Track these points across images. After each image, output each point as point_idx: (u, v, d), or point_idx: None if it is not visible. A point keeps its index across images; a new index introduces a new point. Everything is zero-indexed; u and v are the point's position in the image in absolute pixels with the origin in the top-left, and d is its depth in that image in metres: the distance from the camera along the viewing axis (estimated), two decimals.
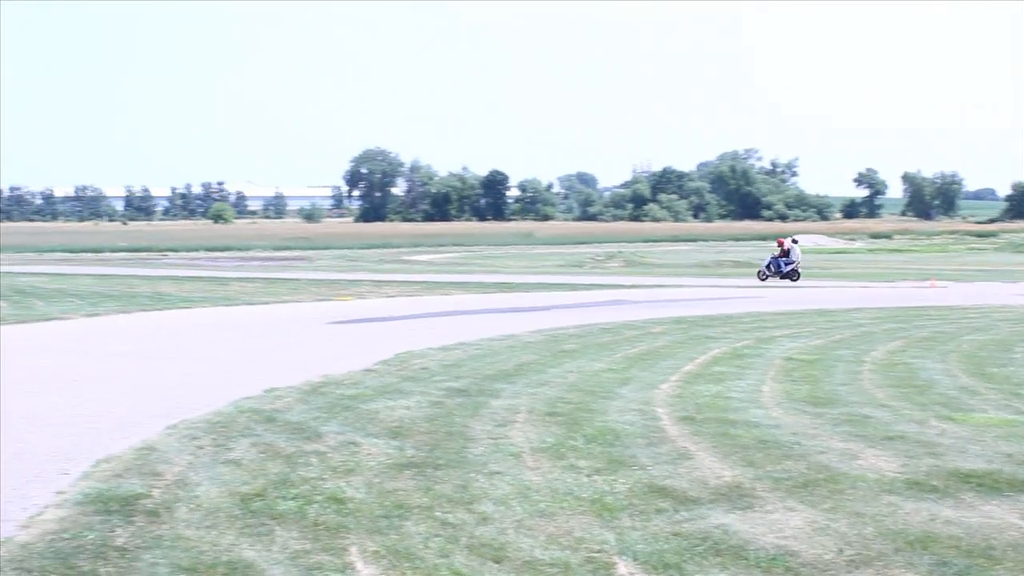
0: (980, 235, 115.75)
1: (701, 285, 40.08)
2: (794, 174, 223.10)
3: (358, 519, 7.35)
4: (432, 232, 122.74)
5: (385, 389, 13.06)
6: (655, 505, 7.69)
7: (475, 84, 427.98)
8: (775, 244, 45.29)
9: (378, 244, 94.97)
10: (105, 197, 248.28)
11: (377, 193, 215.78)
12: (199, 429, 10.42)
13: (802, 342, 18.92)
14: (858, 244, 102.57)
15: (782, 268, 42.65)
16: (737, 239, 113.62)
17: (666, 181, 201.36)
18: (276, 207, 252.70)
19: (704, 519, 7.36)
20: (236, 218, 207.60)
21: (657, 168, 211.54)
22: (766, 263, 43.66)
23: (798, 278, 42.20)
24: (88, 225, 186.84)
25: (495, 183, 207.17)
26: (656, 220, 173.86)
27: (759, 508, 7.62)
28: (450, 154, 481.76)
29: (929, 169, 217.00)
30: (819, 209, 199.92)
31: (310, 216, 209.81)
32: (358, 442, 9.79)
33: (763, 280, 42.29)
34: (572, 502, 7.76)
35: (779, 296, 33.31)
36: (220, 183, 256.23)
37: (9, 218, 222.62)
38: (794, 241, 44.70)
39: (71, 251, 79.80)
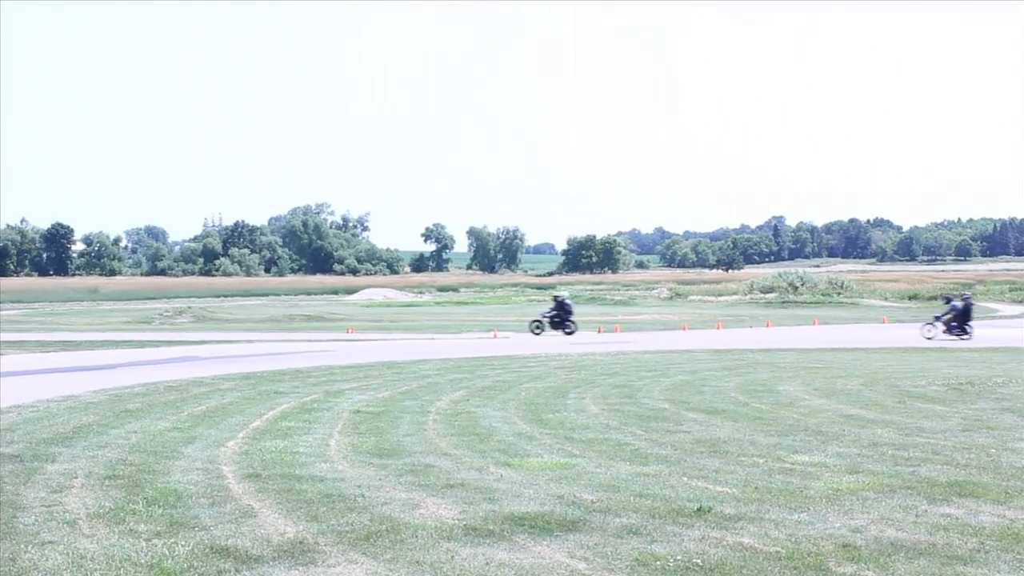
0: (540, 287, 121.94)
1: (272, 340, 39.92)
2: (365, 228, 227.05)
3: None
4: None
5: None
6: (216, 566, 7.56)
7: (32, 132, 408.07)
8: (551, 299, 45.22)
9: None
10: None
11: None
12: None
13: (370, 394, 19.19)
14: (426, 297, 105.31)
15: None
16: (309, 293, 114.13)
17: (238, 235, 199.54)
18: None
19: None
20: None
21: (229, 222, 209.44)
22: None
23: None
24: None
25: (58, 237, 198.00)
26: (228, 275, 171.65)
27: (322, 563, 7.65)
28: (9, 206, 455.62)
29: (494, 224, 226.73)
30: (389, 263, 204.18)
31: None
32: None
33: (537, 334, 41.97)
34: (130, 568, 7.50)
35: (348, 350, 33.67)
36: None
37: None
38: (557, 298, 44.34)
39: None
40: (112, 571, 7.45)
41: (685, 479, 10.86)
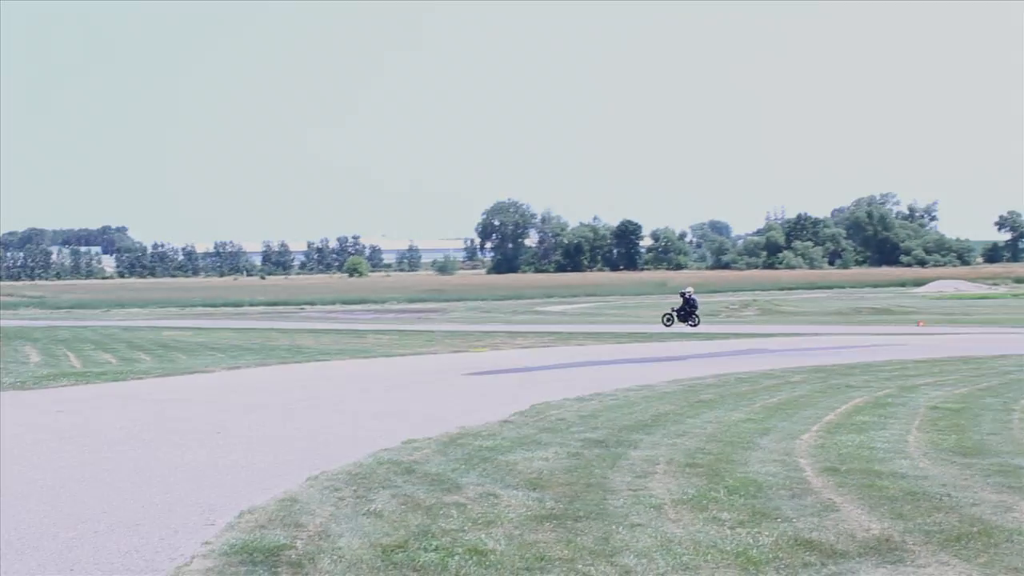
0: None
1: (839, 333, 39.41)
2: (933, 219, 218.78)
3: (500, 571, 7.31)
4: (565, 283, 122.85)
5: (522, 440, 13.02)
6: (802, 559, 7.52)
7: (604, 134, 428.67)
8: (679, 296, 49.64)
9: (511, 295, 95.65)
10: (244, 252, 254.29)
11: (509, 245, 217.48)
12: (340, 481, 10.50)
13: (947, 390, 18.41)
14: (1002, 289, 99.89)
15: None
16: (875, 286, 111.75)
17: (800, 228, 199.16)
18: (410, 260, 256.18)
19: (853, 574, 7.17)
20: (371, 271, 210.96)
21: (791, 215, 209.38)
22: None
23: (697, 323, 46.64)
24: (227, 280, 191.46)
25: (627, 233, 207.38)
26: (791, 267, 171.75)
27: (911, 562, 7.40)
28: (581, 205, 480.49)
29: None
30: (960, 254, 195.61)
31: (444, 268, 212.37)
32: (497, 494, 9.76)
33: (668, 326, 46.19)
34: (716, 555, 7.63)
35: (921, 343, 32.55)
36: (355, 237, 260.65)
37: (153, 274, 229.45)
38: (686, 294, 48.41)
39: (212, 305, 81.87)
40: (700, 556, 7.61)
41: None
